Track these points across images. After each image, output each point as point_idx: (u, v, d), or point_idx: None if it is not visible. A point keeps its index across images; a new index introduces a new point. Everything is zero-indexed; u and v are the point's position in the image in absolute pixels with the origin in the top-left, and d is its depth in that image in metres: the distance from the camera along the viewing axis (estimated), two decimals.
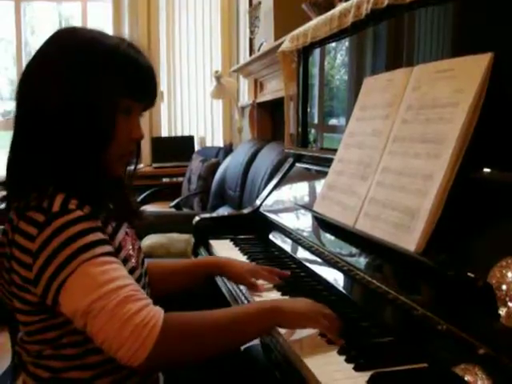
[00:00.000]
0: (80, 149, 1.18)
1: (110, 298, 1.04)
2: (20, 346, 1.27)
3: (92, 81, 1.17)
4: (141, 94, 1.26)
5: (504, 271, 0.92)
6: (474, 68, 1.19)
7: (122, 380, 1.23)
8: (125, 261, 1.25)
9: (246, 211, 2.39)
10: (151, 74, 1.27)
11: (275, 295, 1.50)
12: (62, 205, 1.12)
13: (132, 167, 1.40)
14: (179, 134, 6.19)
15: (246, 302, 1.52)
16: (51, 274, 1.08)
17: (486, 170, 1.14)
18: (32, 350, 1.22)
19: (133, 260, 1.30)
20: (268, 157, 3.39)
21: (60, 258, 1.08)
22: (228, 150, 5.11)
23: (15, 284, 1.17)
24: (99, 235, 1.13)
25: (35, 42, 6.19)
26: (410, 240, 1.19)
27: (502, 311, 0.90)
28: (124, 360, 1.03)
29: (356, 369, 1.03)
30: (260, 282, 1.60)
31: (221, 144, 5.91)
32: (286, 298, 1.39)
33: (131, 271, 1.26)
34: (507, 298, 0.90)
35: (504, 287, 0.91)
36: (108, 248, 1.13)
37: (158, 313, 1.06)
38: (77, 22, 6.15)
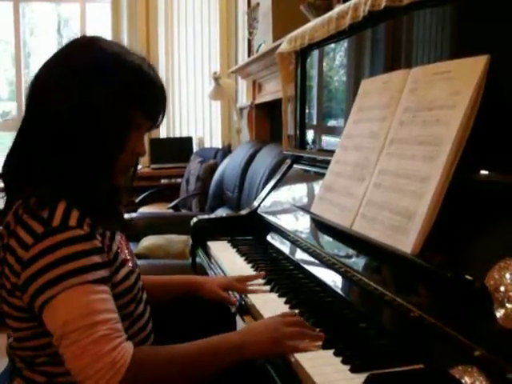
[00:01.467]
0: (92, 159, 1.20)
1: (86, 333, 1.05)
2: (12, 353, 1.26)
3: (112, 94, 1.20)
4: (154, 113, 1.31)
5: (502, 272, 0.93)
6: (470, 70, 1.19)
7: None
8: (122, 265, 1.26)
9: (243, 212, 2.39)
10: (164, 95, 1.32)
11: (273, 296, 1.51)
12: (63, 219, 1.12)
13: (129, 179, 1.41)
14: (177, 135, 6.19)
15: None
16: (38, 287, 1.09)
17: (483, 171, 1.15)
18: (25, 356, 1.22)
19: (129, 264, 1.32)
20: (266, 158, 3.39)
21: (49, 276, 1.08)
22: (226, 151, 5.11)
23: (5, 289, 1.17)
24: (94, 259, 1.13)
25: (34, 42, 6.19)
26: (406, 242, 1.20)
27: (500, 312, 0.90)
28: None
29: (352, 370, 1.03)
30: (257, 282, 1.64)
31: (219, 145, 5.91)
32: (253, 324, 1.36)
33: (128, 275, 1.27)
34: (505, 300, 0.90)
35: (502, 288, 0.91)
36: (100, 273, 1.13)
37: (128, 353, 1.07)
38: (75, 24, 6.16)
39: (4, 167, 1.26)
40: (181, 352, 1.15)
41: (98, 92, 1.19)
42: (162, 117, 1.34)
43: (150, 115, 1.30)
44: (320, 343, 1.16)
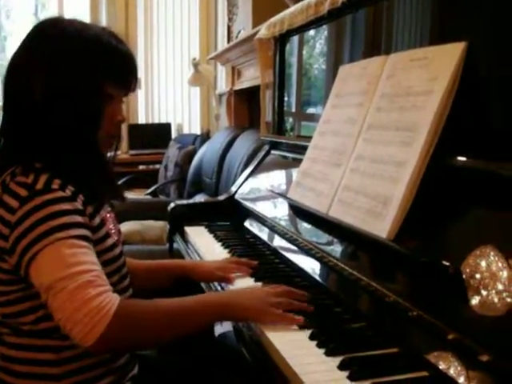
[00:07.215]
0: (71, 133, 1.26)
1: (73, 280, 1.09)
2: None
3: (78, 69, 1.25)
4: (123, 80, 1.35)
5: (478, 260, 0.93)
6: (447, 56, 1.19)
7: None
8: (106, 236, 1.30)
9: (221, 198, 2.39)
10: (132, 61, 1.36)
11: (250, 281, 1.50)
12: (46, 183, 1.18)
13: (112, 153, 1.44)
14: (156, 121, 6.16)
15: (220, 289, 1.53)
16: (25, 245, 1.14)
17: (459, 157, 1.15)
18: (10, 322, 1.24)
19: (114, 237, 1.35)
20: (244, 144, 3.39)
21: (36, 232, 1.13)
22: (205, 137, 5.10)
23: None
24: (76, 218, 1.18)
25: (10, 26, 6.10)
26: (381, 227, 1.20)
27: (476, 300, 0.90)
28: (76, 339, 1.08)
29: (327, 353, 1.03)
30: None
31: (198, 131, 5.88)
32: (241, 288, 1.40)
33: (112, 247, 1.31)
34: (481, 287, 0.91)
35: (478, 276, 0.92)
36: (83, 231, 1.18)
37: (114, 299, 1.11)
38: (53, 7, 6.07)
39: None
40: (167, 304, 1.19)
41: (64, 71, 1.25)
42: (135, 82, 1.38)
43: (120, 83, 1.34)
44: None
